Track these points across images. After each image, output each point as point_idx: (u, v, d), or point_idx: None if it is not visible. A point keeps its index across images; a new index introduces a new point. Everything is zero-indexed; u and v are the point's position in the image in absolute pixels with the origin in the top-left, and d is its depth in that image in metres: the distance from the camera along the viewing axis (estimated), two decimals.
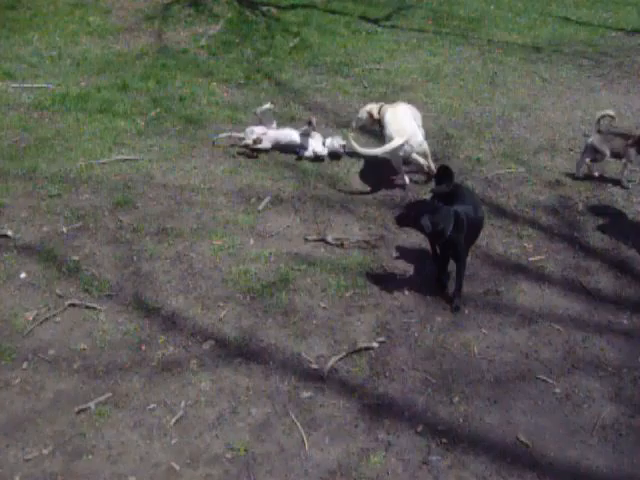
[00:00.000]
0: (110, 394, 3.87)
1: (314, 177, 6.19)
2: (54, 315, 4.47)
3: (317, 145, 6.51)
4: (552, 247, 5.33)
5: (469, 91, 8.35)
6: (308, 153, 6.52)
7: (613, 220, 5.69)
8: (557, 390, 3.99)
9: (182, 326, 4.39)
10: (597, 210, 5.82)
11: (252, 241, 5.26)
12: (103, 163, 6.31)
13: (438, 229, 4.39)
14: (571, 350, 4.30)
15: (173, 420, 3.71)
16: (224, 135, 6.71)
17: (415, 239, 5.26)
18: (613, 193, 6.06)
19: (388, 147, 5.84)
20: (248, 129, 6.55)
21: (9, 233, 5.24)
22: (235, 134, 6.65)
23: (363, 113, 6.43)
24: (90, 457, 3.51)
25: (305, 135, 6.53)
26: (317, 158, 6.52)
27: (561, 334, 4.43)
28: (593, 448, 3.62)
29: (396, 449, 3.57)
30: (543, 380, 4.05)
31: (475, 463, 3.51)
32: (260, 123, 6.64)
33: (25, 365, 4.08)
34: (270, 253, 5.11)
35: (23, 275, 4.83)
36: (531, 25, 11.13)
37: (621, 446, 3.63)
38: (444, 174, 4.94)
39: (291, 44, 9.78)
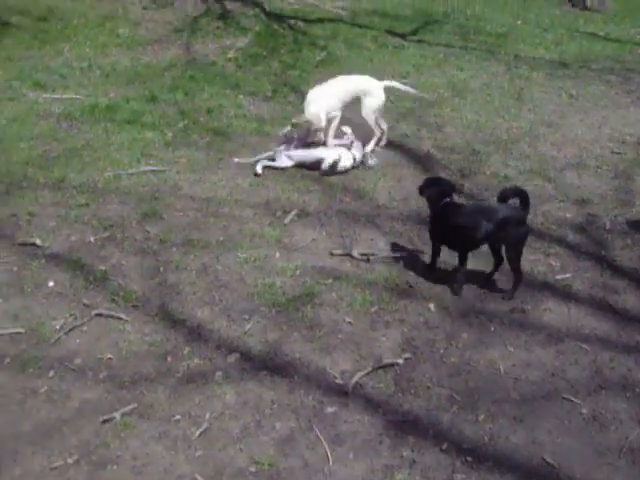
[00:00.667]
0: (135, 405, 3.88)
1: (340, 191, 6.19)
2: (81, 324, 4.50)
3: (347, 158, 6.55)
4: (579, 265, 5.30)
5: (496, 107, 8.35)
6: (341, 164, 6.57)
7: None
8: (584, 410, 3.95)
9: (207, 338, 4.40)
10: (625, 228, 5.78)
11: (278, 254, 5.26)
12: (131, 174, 6.37)
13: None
14: (598, 370, 4.25)
15: (198, 432, 3.71)
16: (254, 160, 6.74)
17: (441, 255, 5.25)
18: None
19: None
20: (277, 149, 6.62)
21: (38, 242, 5.29)
22: (265, 160, 6.68)
23: None
24: (115, 467, 3.52)
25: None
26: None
27: (588, 353, 4.39)
28: (620, 471, 3.57)
29: (420, 467, 3.55)
30: (569, 400, 4.01)
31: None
32: (285, 142, 6.72)
33: (51, 374, 4.11)
34: (296, 267, 5.11)
35: (51, 284, 4.87)
36: (558, 41, 11.12)
37: None
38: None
39: (318, 57, 9.84)
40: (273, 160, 6.58)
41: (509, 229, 4.72)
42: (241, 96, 8.32)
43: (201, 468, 3.52)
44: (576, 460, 3.62)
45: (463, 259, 4.91)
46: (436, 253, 5.07)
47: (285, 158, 6.57)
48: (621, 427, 3.84)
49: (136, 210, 5.78)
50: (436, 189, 5.00)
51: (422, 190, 5.08)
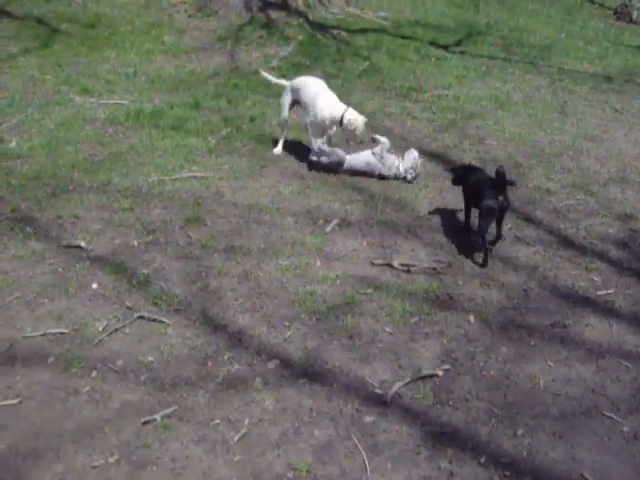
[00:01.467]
0: (175, 407, 3.93)
1: (382, 201, 6.20)
2: (123, 326, 4.56)
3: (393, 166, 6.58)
4: (621, 281, 5.24)
5: (538, 120, 8.30)
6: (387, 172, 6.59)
7: None
8: (625, 429, 3.90)
9: (248, 344, 4.44)
10: None
11: (319, 263, 5.29)
12: (174, 179, 6.45)
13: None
14: (639, 388, 4.21)
15: (237, 437, 3.74)
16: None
17: (481, 268, 5.24)
18: None
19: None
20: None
21: (82, 244, 5.38)
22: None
23: None
24: (154, 468, 3.56)
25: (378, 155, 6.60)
26: (396, 178, 6.60)
27: (629, 371, 4.34)
28: None
29: (458, 479, 3.54)
30: (610, 417, 3.97)
31: None
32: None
33: (94, 374, 4.18)
34: (336, 275, 5.13)
35: (95, 286, 4.95)
36: (602, 54, 11.02)
37: None
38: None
39: (361, 68, 9.87)
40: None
41: None
42: None
43: (239, 473, 3.55)
44: (616, 479, 3.58)
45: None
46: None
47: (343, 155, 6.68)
48: None
49: (179, 215, 5.85)
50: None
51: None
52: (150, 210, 5.94)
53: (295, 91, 6.96)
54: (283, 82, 7.32)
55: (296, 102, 7.02)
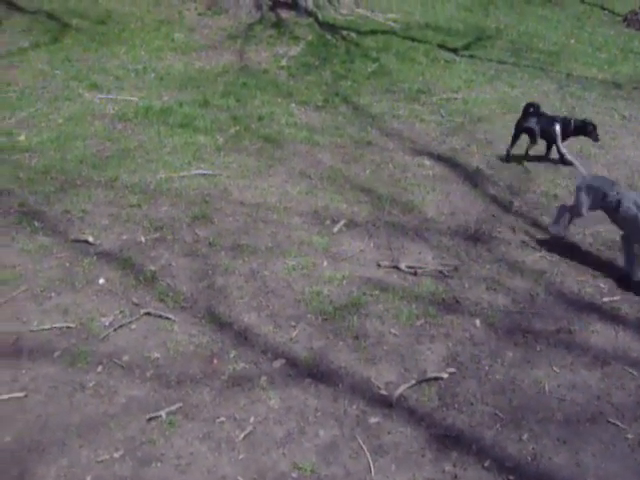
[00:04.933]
0: (181, 404, 3.94)
1: (389, 203, 6.20)
2: (130, 322, 4.58)
3: None
4: None
5: None
6: None
7: None
8: (629, 436, 3.90)
9: (253, 342, 4.45)
10: None
11: (325, 263, 5.30)
12: (182, 176, 6.46)
13: None
14: None
15: (242, 435, 3.75)
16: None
17: (488, 272, 5.25)
18: None
19: None
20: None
21: (90, 239, 5.40)
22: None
23: None
24: (159, 465, 3.57)
25: None
26: None
27: (635, 378, 4.33)
28: None
29: None
30: (615, 424, 3.97)
31: None
32: None
33: (100, 369, 4.19)
34: (343, 276, 5.14)
35: (102, 281, 4.97)
36: (611, 61, 10.98)
37: None
38: None
39: (370, 69, 9.85)
40: None
41: None
42: (292, 104, 8.38)
43: (244, 471, 3.56)
44: None
45: None
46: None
47: None
48: None
49: (186, 213, 5.86)
50: None
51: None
52: (158, 207, 5.95)
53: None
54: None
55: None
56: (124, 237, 5.50)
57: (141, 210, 5.88)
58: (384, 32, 11.68)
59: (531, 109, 7.12)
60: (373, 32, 11.65)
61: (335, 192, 6.37)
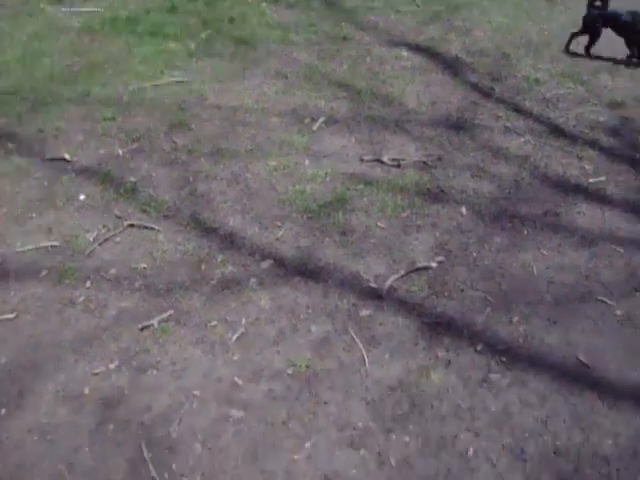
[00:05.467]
0: (172, 311, 3.93)
1: (368, 97, 6.08)
2: (114, 235, 4.52)
3: None
4: (613, 168, 5.20)
5: (526, 9, 8.10)
6: None
7: None
8: (618, 312, 3.93)
9: (240, 245, 4.42)
10: None
11: (307, 161, 5.22)
12: (156, 85, 6.29)
13: None
14: (632, 273, 4.21)
15: (234, 337, 3.76)
16: None
17: (472, 160, 5.19)
18: None
19: None
20: None
21: (66, 156, 5.28)
22: None
23: None
24: (155, 372, 3.59)
25: None
26: None
27: (622, 257, 4.34)
28: None
29: (456, 367, 3.58)
30: (603, 302, 3.99)
31: (535, 382, 3.50)
32: None
33: (88, 284, 4.16)
34: (326, 173, 5.07)
35: (82, 197, 4.88)
36: None
37: None
38: None
39: None
40: None
41: None
42: (264, 4, 8.12)
43: (239, 371, 3.57)
44: (610, 360, 3.62)
45: None
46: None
47: None
48: None
49: (163, 122, 5.73)
50: None
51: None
52: (133, 118, 5.81)
53: None
54: None
55: None
56: (101, 151, 5.39)
57: (116, 123, 5.75)
58: None
59: (597, 2, 6.82)
60: None
61: (313, 90, 6.23)
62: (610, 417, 3.33)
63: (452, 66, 6.66)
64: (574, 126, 5.73)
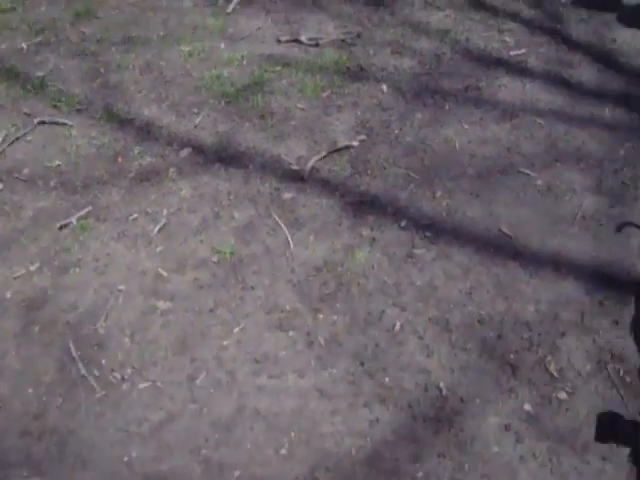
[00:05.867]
0: (90, 208, 3.81)
1: None
2: (24, 134, 4.32)
3: None
4: (534, 41, 5.17)
5: None
6: None
7: (598, 13, 5.51)
8: (539, 182, 3.98)
9: (157, 136, 4.28)
10: (582, 1, 5.60)
11: (223, 45, 5.03)
12: None
13: None
14: (553, 144, 4.26)
15: (156, 229, 3.68)
16: None
17: (392, 36, 5.08)
18: None
19: None
20: None
21: None
22: None
23: None
24: (77, 270, 3.50)
25: None
26: None
27: (543, 128, 4.37)
28: (574, 237, 3.66)
29: (381, 244, 3.59)
30: (525, 173, 4.03)
31: (459, 255, 3.55)
32: None
33: (1, 186, 3.99)
34: (242, 56, 4.90)
35: None
36: None
37: (600, 235, 3.67)
38: None
39: None
40: None
41: None
42: None
43: (163, 263, 3.52)
44: (532, 229, 3.70)
45: None
46: None
47: None
48: (575, 197, 3.90)
49: (68, 11, 5.42)
50: None
51: None
52: (35, 8, 5.48)
53: None
54: None
55: None
56: (2, 46, 5.08)
57: (16, 14, 5.42)
58: None
59: None
60: None
61: None
62: (532, 284, 3.42)
63: None
64: None
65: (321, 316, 3.27)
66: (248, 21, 5.32)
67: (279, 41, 5.07)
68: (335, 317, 3.26)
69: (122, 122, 4.39)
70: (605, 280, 3.45)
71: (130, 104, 4.52)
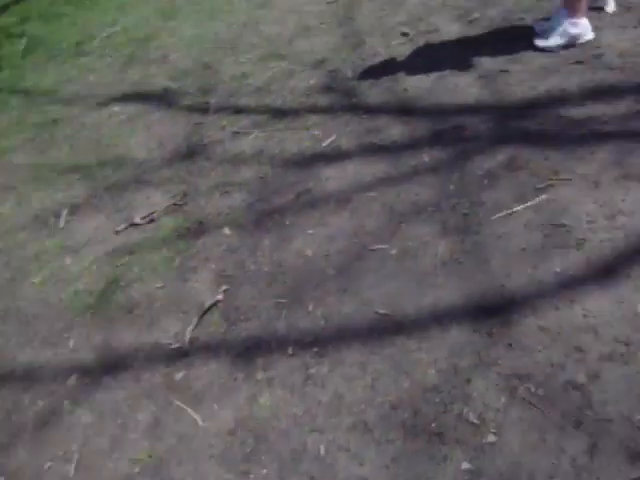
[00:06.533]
0: None
1: (101, 170, 6.03)
2: None
3: None
4: (339, 123, 5.50)
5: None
6: None
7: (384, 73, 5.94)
8: (393, 252, 4.17)
9: (40, 377, 4.29)
10: (366, 68, 6.07)
11: (69, 260, 5.08)
12: None
13: None
14: (391, 209, 4.46)
15: (72, 468, 3.64)
16: None
17: (215, 180, 5.31)
18: None
19: None
20: None
21: None
22: None
23: None
24: None
25: None
26: None
27: (377, 199, 4.58)
28: (442, 287, 3.83)
29: (277, 381, 3.69)
30: (378, 249, 4.22)
31: (350, 354, 3.66)
32: None
33: None
34: (90, 262, 4.98)
35: None
36: None
37: (463, 272, 3.87)
38: None
39: None
40: None
41: None
42: None
43: None
44: (404, 299, 3.85)
45: None
46: None
47: None
48: (428, 248, 4.10)
49: None
50: None
51: None
52: None
53: None
54: None
55: None
56: None
57: None
58: None
59: None
60: None
61: None
62: (424, 349, 3.54)
63: (164, 99, 6.73)
64: (292, 100, 5.95)
65: (252, 476, 3.32)
66: (82, 226, 5.40)
67: (117, 232, 5.17)
68: (265, 471, 3.32)
69: None
70: (484, 311, 3.62)
71: None
